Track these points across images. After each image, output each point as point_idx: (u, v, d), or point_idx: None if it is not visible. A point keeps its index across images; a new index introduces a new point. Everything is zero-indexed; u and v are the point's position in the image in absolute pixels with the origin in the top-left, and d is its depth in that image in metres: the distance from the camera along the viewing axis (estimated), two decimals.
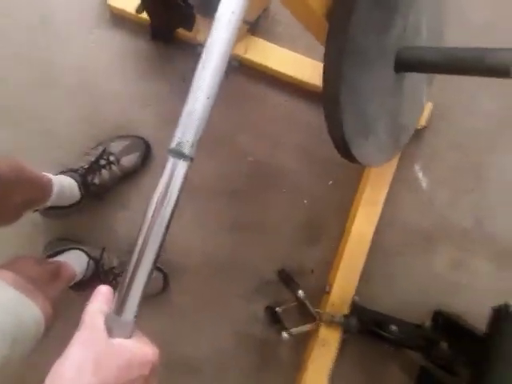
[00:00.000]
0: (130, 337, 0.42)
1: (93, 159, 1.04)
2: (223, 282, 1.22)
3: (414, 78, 0.88)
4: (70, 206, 1.04)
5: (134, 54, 1.17)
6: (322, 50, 0.66)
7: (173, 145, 0.44)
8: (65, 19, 1.16)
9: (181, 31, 1.09)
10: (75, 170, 1.03)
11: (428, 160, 1.27)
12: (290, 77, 1.16)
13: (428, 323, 1.23)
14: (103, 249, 1.08)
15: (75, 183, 1.01)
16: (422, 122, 1.21)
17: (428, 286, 1.28)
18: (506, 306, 0.93)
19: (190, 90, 0.45)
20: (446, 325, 1.19)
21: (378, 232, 1.21)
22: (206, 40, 0.47)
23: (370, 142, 0.84)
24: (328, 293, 1.19)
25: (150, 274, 0.43)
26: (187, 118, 0.44)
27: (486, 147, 1.28)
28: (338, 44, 0.64)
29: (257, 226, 1.23)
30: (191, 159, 0.44)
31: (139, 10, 1.05)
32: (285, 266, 1.23)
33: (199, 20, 1.04)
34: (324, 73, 0.67)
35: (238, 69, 1.15)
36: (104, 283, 1.12)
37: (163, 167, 0.44)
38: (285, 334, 1.10)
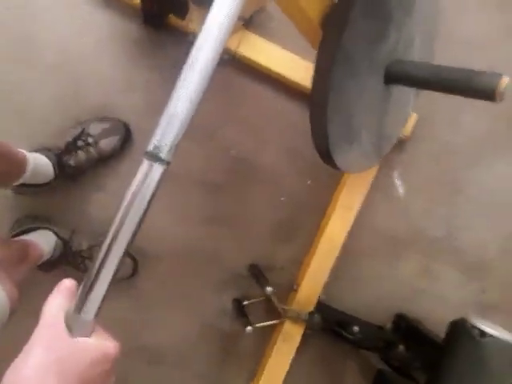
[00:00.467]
0: (90, 335, 0.42)
1: (70, 139, 1.01)
2: (194, 272, 1.21)
3: (402, 89, 0.89)
4: (43, 185, 1.01)
5: (124, 37, 1.12)
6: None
7: (150, 147, 0.42)
8: None
9: (173, 18, 1.06)
10: (51, 149, 1.00)
11: (407, 169, 1.29)
12: (281, 75, 1.14)
13: (389, 325, 1.27)
14: (73, 230, 1.06)
15: (50, 163, 0.99)
16: (406, 131, 1.22)
17: (394, 291, 1.31)
18: (463, 320, 0.95)
19: (174, 90, 0.43)
20: (407, 329, 1.23)
21: (350, 234, 1.22)
22: (196, 37, 0.44)
23: (353, 150, 0.84)
24: (295, 290, 1.21)
25: (114, 275, 0.42)
26: (167, 120, 0.42)
27: (465, 162, 1.31)
28: (330, 53, 0.63)
29: (232, 220, 1.22)
30: (168, 163, 0.42)
31: None
32: (256, 261, 1.24)
33: (193, 9, 1.01)
34: (313, 79, 0.67)
35: (229, 62, 1.12)
36: (72, 265, 1.09)
37: (137, 168, 0.42)
38: (249, 328, 1.12)
